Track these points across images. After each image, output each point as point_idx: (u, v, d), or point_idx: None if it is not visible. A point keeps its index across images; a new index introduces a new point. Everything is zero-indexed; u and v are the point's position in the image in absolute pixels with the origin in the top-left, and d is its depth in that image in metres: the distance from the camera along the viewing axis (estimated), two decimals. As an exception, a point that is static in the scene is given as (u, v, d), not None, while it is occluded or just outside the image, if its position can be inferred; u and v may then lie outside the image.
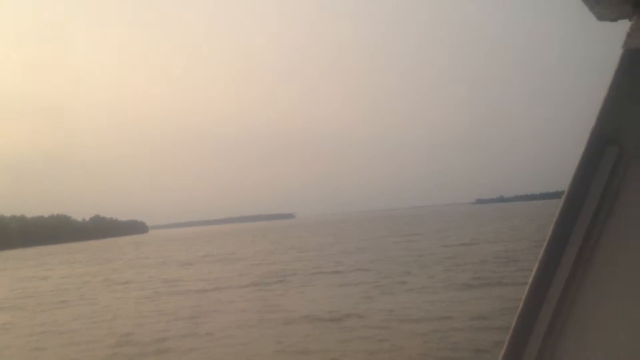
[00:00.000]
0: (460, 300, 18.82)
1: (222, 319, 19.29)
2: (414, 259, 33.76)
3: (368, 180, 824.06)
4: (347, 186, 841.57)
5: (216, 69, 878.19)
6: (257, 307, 20.92)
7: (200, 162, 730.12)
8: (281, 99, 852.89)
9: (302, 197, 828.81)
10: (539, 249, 1.60)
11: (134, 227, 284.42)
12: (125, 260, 60.94)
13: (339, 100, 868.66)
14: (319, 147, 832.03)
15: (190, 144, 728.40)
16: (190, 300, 24.69)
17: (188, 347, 15.58)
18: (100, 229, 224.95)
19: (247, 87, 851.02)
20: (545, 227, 1.69)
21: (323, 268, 33.32)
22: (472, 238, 47.06)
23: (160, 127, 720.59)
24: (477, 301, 18.33)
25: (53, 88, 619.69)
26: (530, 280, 1.61)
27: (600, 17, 1.53)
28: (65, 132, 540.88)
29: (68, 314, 23.87)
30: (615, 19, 1.53)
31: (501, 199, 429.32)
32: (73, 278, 42.49)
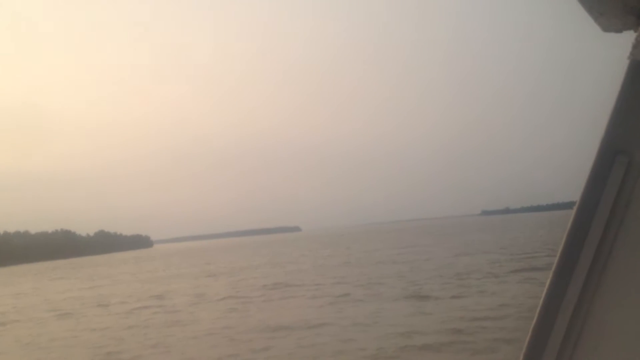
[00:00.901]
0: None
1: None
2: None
3: (373, 192, 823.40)
4: (353, 199, 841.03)
5: (217, 82, 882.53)
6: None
7: (204, 175, 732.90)
8: (283, 109, 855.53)
9: (308, 210, 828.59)
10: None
11: (139, 242, 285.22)
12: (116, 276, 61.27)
13: (341, 111, 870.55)
14: (324, 159, 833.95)
15: (194, 158, 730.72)
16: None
17: None
18: (105, 243, 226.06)
19: (247, 98, 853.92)
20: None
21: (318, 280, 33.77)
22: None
23: (163, 142, 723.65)
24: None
25: (50, 103, 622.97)
26: (545, 290, 1.63)
27: (605, 29, 1.56)
28: (67, 149, 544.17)
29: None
30: (619, 30, 1.55)
31: (507, 211, 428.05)
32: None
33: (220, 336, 18.88)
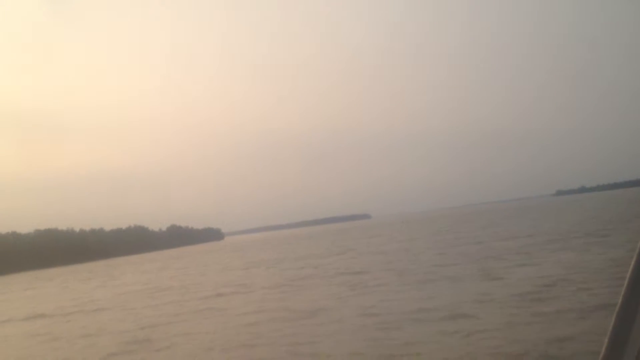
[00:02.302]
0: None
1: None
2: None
3: (443, 177, 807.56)
4: (421, 184, 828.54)
5: (280, 77, 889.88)
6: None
7: (273, 166, 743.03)
8: (343, 99, 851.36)
9: (378, 197, 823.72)
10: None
11: (210, 235, 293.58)
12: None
13: (400, 96, 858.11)
14: (389, 145, 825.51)
15: (263, 150, 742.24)
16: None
17: None
18: (177, 237, 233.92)
19: (312, 88, 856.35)
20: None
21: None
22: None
23: (230, 136, 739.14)
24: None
25: (109, 105, 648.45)
26: (624, 289, 1.61)
27: None
28: (134, 147, 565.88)
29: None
30: None
31: (582, 189, 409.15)
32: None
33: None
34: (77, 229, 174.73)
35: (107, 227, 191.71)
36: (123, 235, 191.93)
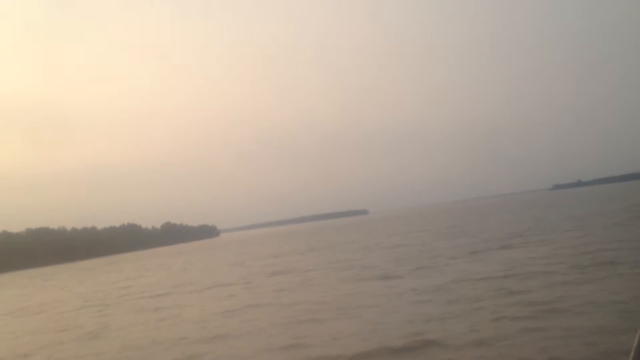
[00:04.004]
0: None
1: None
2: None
3: (440, 171, 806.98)
4: (419, 179, 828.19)
5: (278, 73, 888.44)
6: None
7: (272, 163, 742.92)
8: (343, 97, 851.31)
9: (375, 193, 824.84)
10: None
11: (205, 232, 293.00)
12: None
13: (400, 91, 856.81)
14: (386, 140, 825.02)
15: (262, 146, 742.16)
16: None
17: None
18: (171, 235, 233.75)
19: (311, 86, 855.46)
20: None
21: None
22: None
23: (228, 133, 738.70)
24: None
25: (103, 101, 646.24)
26: None
27: None
28: (129, 143, 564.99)
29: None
30: None
31: (579, 183, 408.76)
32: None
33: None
34: (69, 228, 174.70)
35: (100, 226, 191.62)
36: (116, 234, 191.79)
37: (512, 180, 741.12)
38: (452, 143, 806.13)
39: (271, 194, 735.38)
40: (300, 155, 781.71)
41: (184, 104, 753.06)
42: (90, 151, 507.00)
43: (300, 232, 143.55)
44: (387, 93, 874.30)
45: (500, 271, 22.36)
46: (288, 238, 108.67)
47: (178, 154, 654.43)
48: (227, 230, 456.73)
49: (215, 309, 22.83)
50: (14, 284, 71.50)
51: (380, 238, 60.08)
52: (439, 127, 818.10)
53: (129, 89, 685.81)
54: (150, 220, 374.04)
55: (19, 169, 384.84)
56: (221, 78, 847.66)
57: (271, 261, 47.51)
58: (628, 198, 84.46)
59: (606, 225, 38.30)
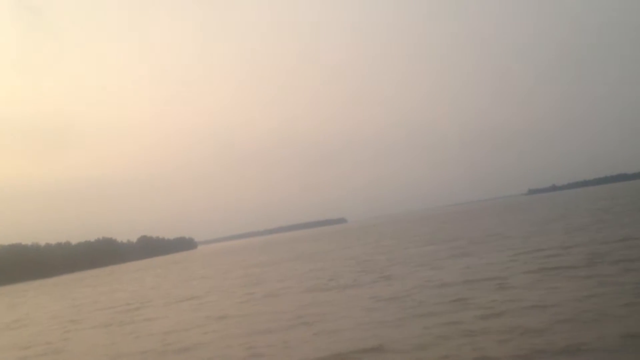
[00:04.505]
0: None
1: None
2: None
3: (418, 180, 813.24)
4: (397, 188, 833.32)
5: (257, 86, 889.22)
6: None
7: (249, 174, 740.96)
8: (323, 107, 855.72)
9: (353, 202, 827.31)
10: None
11: (182, 244, 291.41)
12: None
13: (378, 103, 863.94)
14: (365, 151, 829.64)
15: (238, 158, 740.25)
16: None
17: None
18: (147, 248, 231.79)
19: (291, 98, 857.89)
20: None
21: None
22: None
23: (205, 146, 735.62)
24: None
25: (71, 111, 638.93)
26: None
27: None
28: (105, 156, 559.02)
29: None
30: None
31: (553, 188, 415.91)
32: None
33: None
34: (42, 243, 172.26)
35: (75, 240, 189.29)
36: (91, 248, 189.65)
37: (489, 187, 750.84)
38: (430, 153, 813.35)
39: (250, 205, 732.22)
40: (279, 166, 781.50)
41: (161, 115, 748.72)
42: (62, 165, 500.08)
43: (276, 243, 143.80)
44: (366, 104, 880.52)
45: (457, 278, 23.16)
46: (263, 249, 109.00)
47: (155, 166, 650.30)
48: (205, 242, 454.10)
49: (181, 322, 23.21)
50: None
51: (352, 247, 60.76)
52: (417, 138, 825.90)
53: (100, 101, 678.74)
54: (127, 234, 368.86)
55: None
56: (200, 89, 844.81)
57: (241, 272, 47.95)
58: (596, 201, 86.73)
59: (567, 229, 39.52)
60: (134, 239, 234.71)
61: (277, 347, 15.52)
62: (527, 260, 25.64)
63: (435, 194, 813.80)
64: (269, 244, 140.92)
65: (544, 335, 12.52)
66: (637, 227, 33.10)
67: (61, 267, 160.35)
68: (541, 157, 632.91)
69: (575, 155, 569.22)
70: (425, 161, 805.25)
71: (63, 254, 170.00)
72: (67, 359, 18.86)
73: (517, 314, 15.05)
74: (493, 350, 12.02)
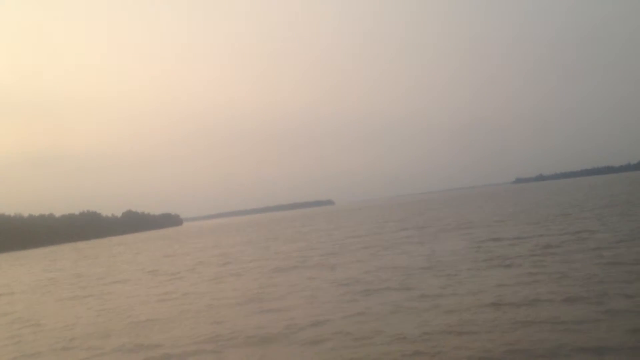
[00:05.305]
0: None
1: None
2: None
3: (406, 166, 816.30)
4: (385, 172, 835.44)
5: (248, 65, 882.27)
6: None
7: (238, 152, 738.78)
8: (311, 90, 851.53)
9: (341, 184, 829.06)
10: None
11: (168, 220, 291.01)
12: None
13: (368, 86, 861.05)
14: (355, 134, 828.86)
15: (229, 138, 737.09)
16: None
17: None
18: (132, 223, 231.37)
19: (281, 78, 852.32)
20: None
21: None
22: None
23: (194, 123, 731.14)
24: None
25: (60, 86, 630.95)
26: None
27: None
28: (90, 130, 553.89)
29: None
30: None
31: (540, 177, 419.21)
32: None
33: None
34: (25, 215, 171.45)
35: (59, 213, 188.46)
36: (75, 221, 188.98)
37: (477, 174, 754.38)
38: (419, 138, 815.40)
39: (238, 184, 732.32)
40: (270, 146, 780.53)
41: (150, 90, 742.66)
42: (50, 137, 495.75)
43: (261, 222, 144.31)
44: (359, 87, 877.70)
45: (419, 262, 23.58)
46: (247, 228, 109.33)
47: (143, 141, 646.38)
48: (192, 219, 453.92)
49: (147, 298, 23.53)
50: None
51: (333, 230, 61.20)
52: (407, 123, 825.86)
53: (88, 74, 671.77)
54: (112, 208, 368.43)
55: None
56: (191, 65, 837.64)
57: (219, 251, 48.22)
58: (574, 193, 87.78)
59: (539, 220, 40.06)
60: (118, 213, 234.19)
61: (224, 324, 15.82)
62: (487, 249, 26.04)
63: (425, 181, 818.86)
64: (253, 224, 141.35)
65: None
66: (593, 222, 33.36)
67: (44, 239, 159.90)
68: (530, 148, 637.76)
69: (563, 148, 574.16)
70: (416, 148, 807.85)
71: (46, 226, 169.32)
72: (27, 331, 19.06)
73: (449, 301, 15.38)
74: (417, 329, 12.56)
